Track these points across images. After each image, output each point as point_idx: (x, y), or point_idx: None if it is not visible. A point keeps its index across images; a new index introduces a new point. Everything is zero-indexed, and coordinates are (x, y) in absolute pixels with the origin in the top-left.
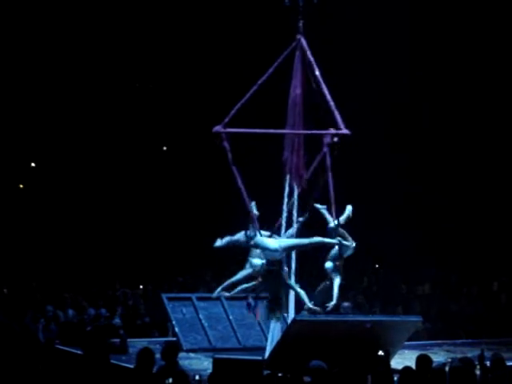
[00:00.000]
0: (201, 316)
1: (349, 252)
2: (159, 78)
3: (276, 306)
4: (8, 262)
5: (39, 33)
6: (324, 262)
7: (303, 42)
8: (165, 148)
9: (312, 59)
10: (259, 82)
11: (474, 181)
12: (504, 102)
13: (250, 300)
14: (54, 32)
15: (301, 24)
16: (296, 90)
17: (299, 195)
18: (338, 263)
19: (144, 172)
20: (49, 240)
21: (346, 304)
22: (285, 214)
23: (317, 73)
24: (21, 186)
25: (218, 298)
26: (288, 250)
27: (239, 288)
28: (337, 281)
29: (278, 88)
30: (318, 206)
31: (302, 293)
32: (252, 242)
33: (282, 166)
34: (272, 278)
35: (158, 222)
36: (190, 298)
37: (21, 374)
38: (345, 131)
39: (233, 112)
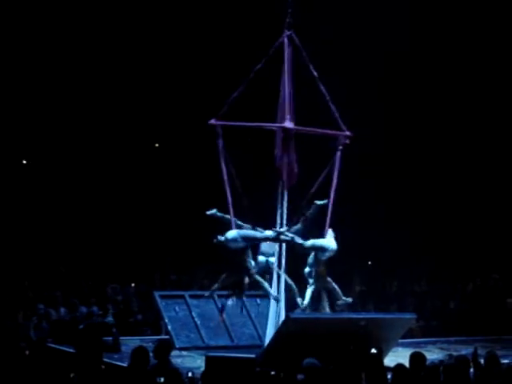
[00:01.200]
0: (194, 314)
1: (327, 255)
2: (151, 75)
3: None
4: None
5: (33, 30)
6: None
7: (295, 38)
8: (157, 145)
9: (308, 59)
10: (251, 75)
11: (468, 177)
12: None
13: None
14: (47, 29)
15: (290, 19)
16: (285, 86)
17: (289, 192)
18: (316, 269)
19: (137, 169)
20: (41, 238)
21: (339, 302)
22: (279, 211)
23: (315, 74)
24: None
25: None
26: None
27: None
28: (310, 288)
29: (267, 83)
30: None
31: (337, 289)
32: (308, 245)
33: (272, 161)
34: (319, 276)
35: (150, 219)
36: (182, 296)
37: (12, 372)
38: (348, 133)
39: (227, 105)
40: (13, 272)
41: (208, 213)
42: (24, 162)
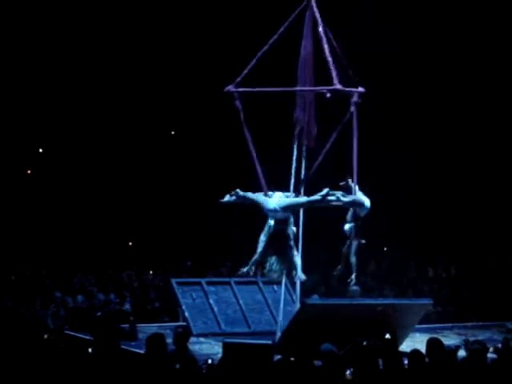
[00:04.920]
0: (210, 300)
1: (365, 212)
2: (167, 63)
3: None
4: (17, 249)
5: (44, 21)
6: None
7: (313, 1)
8: (173, 132)
9: (319, 19)
10: (270, 41)
11: (484, 167)
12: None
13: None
14: (59, 20)
15: None
16: (306, 49)
17: (308, 154)
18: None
19: (152, 157)
20: (57, 226)
21: (354, 287)
22: (293, 175)
23: (320, 29)
24: (29, 171)
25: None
26: (288, 208)
27: None
28: (353, 246)
29: (289, 47)
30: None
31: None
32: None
33: (291, 125)
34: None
35: (166, 207)
36: (199, 283)
37: (28, 360)
38: (360, 89)
39: (245, 71)
40: (30, 259)
41: (225, 199)
42: (40, 150)
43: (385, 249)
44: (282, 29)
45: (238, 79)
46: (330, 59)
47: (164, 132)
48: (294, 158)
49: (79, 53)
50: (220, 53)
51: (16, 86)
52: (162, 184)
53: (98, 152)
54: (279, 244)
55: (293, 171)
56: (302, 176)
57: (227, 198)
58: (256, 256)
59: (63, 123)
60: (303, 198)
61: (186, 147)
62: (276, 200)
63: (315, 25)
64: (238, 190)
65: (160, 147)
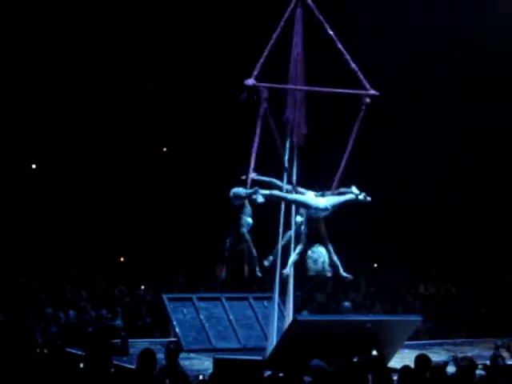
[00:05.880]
0: (201, 316)
1: (321, 213)
2: (160, 79)
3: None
4: (10, 263)
5: (40, 35)
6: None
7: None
8: (165, 149)
9: (322, 18)
10: (274, 35)
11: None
12: None
13: None
14: (54, 34)
15: None
16: (297, 47)
17: (299, 153)
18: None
19: (144, 174)
20: (50, 241)
21: (346, 304)
22: (286, 173)
23: (330, 32)
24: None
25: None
26: (335, 207)
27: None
28: (298, 248)
29: (279, 45)
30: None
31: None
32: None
33: (283, 123)
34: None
35: (158, 223)
36: (190, 299)
37: (20, 374)
38: (373, 92)
39: (260, 62)
40: (23, 274)
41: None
42: (33, 166)
43: (375, 265)
44: (282, 22)
45: (256, 72)
46: (353, 65)
47: (156, 148)
48: (286, 157)
49: (71, 70)
50: (212, 69)
51: (8, 102)
52: (153, 200)
53: (91, 168)
54: (315, 241)
55: (285, 170)
56: (294, 175)
57: (260, 198)
58: (294, 256)
59: (56, 139)
60: (343, 197)
61: (178, 164)
62: (323, 199)
63: (320, 27)
64: (257, 188)
65: (152, 164)
